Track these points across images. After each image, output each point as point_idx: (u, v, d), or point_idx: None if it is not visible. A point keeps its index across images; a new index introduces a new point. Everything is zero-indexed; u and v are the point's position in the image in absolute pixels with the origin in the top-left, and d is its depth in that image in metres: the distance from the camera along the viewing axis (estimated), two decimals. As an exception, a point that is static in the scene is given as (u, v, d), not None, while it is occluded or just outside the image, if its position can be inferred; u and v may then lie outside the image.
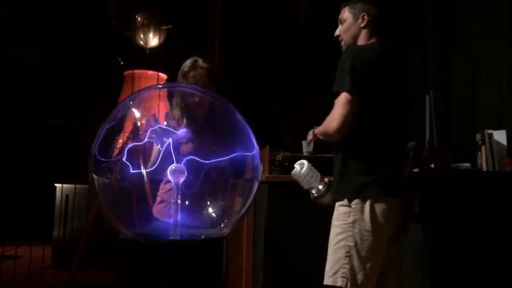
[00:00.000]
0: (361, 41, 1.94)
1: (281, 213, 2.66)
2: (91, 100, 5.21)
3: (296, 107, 4.93)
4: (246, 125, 1.75)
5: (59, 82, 6.38)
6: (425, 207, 2.14)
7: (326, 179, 1.94)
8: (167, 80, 4.83)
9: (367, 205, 1.75)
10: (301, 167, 1.92)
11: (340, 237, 1.77)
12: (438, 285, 2.06)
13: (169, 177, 1.61)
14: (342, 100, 1.74)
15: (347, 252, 1.74)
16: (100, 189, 1.69)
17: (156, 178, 1.84)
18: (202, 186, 1.70)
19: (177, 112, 1.98)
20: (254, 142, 1.75)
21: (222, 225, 1.73)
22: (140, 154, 1.71)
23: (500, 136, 2.45)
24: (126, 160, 1.59)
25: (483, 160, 2.46)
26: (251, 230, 2.85)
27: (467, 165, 2.47)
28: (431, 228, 2.11)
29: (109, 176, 1.69)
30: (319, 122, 1.90)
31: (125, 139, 1.79)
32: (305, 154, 2.82)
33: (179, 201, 1.60)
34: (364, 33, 1.93)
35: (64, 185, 4.73)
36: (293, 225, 2.65)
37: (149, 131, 1.74)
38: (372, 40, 1.92)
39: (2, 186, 6.06)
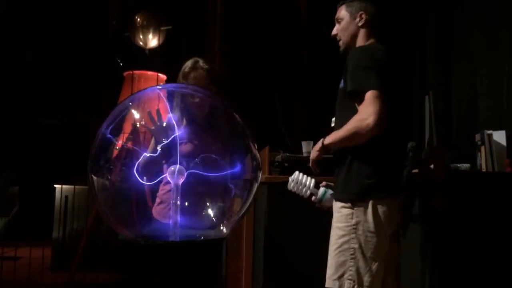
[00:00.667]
0: (360, 41, 1.91)
1: (281, 214, 2.66)
2: (91, 101, 5.22)
3: (296, 108, 4.93)
4: (245, 126, 1.75)
5: (59, 83, 6.39)
6: (424, 208, 2.14)
7: (323, 182, 1.94)
8: (167, 81, 4.83)
9: (370, 206, 1.74)
10: (294, 177, 1.95)
11: (343, 239, 1.76)
12: (438, 286, 2.06)
13: (169, 178, 1.61)
14: (371, 97, 1.69)
15: (352, 255, 1.73)
16: (99, 190, 1.69)
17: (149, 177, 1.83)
18: (201, 187, 1.69)
19: (177, 113, 1.98)
20: (254, 143, 1.75)
21: (222, 226, 1.73)
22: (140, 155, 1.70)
23: (499, 136, 2.44)
24: (139, 172, 1.59)
25: (482, 160, 2.46)
26: (251, 231, 2.85)
27: (466, 165, 2.47)
28: (430, 229, 2.11)
29: (109, 177, 1.69)
30: (319, 121, 1.90)
31: (124, 140, 1.78)
32: (305, 154, 2.82)
33: (178, 202, 1.60)
34: (362, 32, 1.91)
35: (64, 186, 4.73)
36: (293, 226, 2.65)
37: (150, 132, 1.74)
38: (371, 41, 1.90)
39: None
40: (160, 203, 1.95)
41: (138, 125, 1.77)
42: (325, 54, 4.48)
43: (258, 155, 1.74)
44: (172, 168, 1.60)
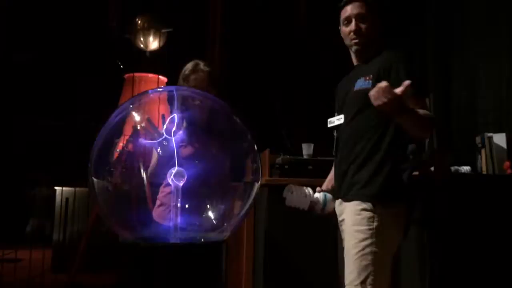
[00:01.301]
0: (378, 43, 1.87)
1: (281, 216, 2.65)
2: (92, 103, 5.22)
3: (296, 110, 4.93)
4: (245, 129, 1.75)
5: (59, 84, 6.40)
6: (425, 211, 2.14)
7: (318, 188, 1.93)
8: (167, 83, 4.83)
9: (390, 209, 1.72)
10: (290, 191, 1.92)
11: (365, 243, 1.70)
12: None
13: (169, 180, 1.61)
14: (427, 105, 1.73)
15: (373, 259, 1.68)
16: (100, 193, 1.69)
17: (156, 182, 1.84)
18: (201, 189, 1.70)
19: (177, 115, 1.98)
20: (254, 145, 1.75)
21: (222, 229, 1.73)
22: (140, 158, 1.71)
23: (500, 139, 2.44)
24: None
25: (483, 163, 2.46)
26: (251, 233, 2.85)
27: (467, 168, 2.47)
28: (431, 231, 2.11)
29: (109, 179, 1.69)
30: (320, 124, 1.89)
31: (125, 142, 1.79)
32: (305, 157, 2.81)
33: (178, 204, 1.60)
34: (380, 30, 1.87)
35: (64, 188, 4.73)
36: (293, 228, 2.64)
37: (149, 134, 1.74)
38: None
39: (2, 185, 6.07)
40: (160, 205, 1.95)
41: (139, 128, 1.78)
42: (325, 55, 4.48)
43: (258, 157, 1.74)
44: (173, 171, 1.60)
